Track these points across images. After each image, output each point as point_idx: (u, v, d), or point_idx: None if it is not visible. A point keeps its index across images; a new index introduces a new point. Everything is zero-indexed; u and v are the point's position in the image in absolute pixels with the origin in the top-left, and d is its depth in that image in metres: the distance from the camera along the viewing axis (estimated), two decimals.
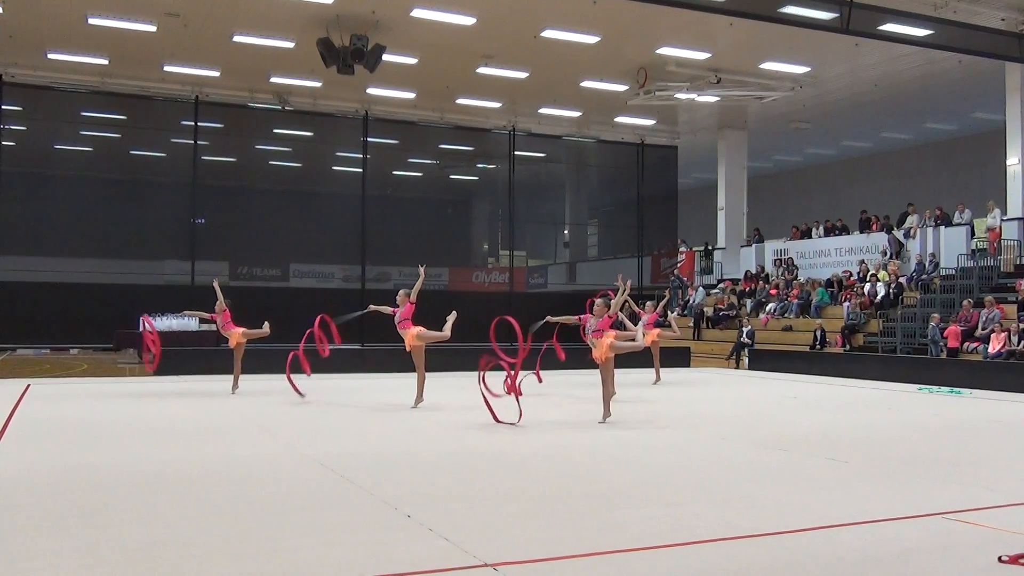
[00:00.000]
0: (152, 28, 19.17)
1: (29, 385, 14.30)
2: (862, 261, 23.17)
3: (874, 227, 24.34)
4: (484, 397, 10.31)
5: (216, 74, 22.88)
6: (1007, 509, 5.98)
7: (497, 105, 26.12)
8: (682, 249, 30.74)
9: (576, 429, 9.89)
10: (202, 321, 15.50)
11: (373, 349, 19.45)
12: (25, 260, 22.73)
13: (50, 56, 21.26)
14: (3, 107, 23.03)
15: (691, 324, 25.96)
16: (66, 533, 5.07)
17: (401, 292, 11.98)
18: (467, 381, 12.53)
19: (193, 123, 24.64)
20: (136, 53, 21.06)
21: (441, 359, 18.31)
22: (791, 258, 26.29)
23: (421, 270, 11.82)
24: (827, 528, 5.39)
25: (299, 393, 12.46)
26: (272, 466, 7.31)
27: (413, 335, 11.41)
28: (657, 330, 16.35)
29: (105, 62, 21.73)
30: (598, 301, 10.59)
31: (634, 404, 12.79)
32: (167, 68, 22.32)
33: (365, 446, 8.61)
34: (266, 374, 15.11)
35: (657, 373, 16.34)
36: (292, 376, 12.70)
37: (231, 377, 13.68)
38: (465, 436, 9.30)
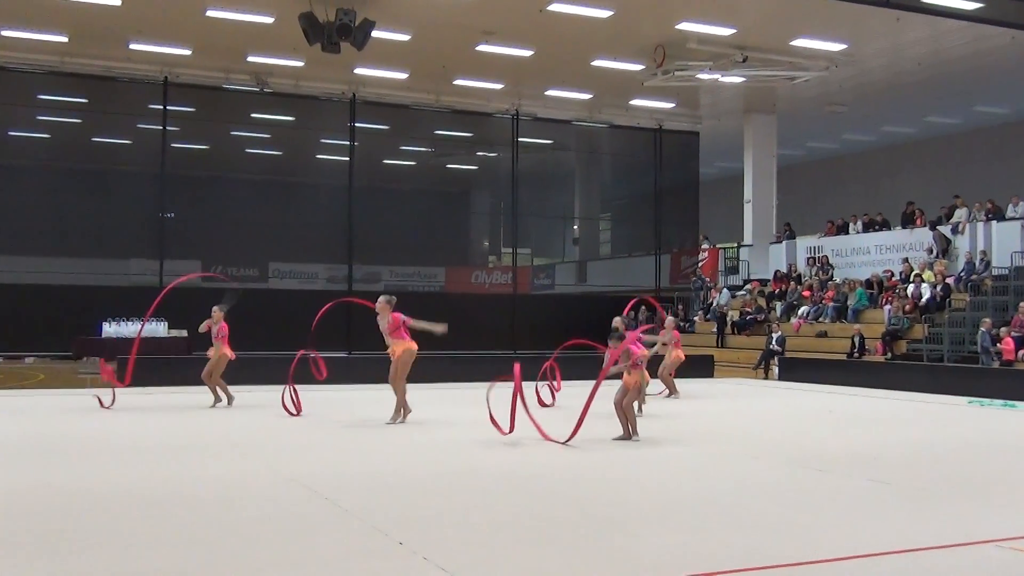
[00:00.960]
0: (117, 1, 19.20)
1: None
2: (905, 259, 23.14)
3: (918, 222, 24.32)
4: (528, 412, 10.29)
5: (187, 53, 22.91)
6: None
7: (499, 87, 26.16)
8: (704, 246, 30.73)
9: (588, 446, 9.87)
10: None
11: (361, 358, 19.46)
12: None
13: (3, 33, 21.31)
14: None
15: (714, 330, 25.95)
16: (22, 562, 5.07)
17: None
18: (464, 393, 12.52)
19: (162, 107, 24.73)
20: (99, 29, 21.10)
21: (439, 369, 18.34)
22: (826, 256, 26.27)
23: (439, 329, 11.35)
24: (866, 557, 5.37)
25: (291, 412, 12.29)
26: (250, 487, 7.30)
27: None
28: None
29: (64, 39, 21.76)
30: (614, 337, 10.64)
31: (651, 419, 12.76)
32: (133, 46, 22.36)
33: (353, 465, 8.61)
34: (244, 385, 15.09)
35: (672, 386, 16.27)
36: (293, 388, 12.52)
37: (205, 388, 13.63)
38: (463, 454, 9.29)
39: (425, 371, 17.87)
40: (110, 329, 20.56)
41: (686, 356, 16.81)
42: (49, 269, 23.31)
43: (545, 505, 6.77)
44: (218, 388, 13.41)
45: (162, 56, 23.18)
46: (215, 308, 13.45)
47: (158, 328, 20.84)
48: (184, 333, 20.94)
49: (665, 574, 4.95)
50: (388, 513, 6.37)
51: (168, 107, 24.80)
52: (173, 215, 25.34)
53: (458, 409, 13.29)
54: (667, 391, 15.62)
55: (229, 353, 13.34)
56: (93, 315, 21.01)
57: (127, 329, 20.54)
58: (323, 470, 8.14)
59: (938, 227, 23.17)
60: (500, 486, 7.53)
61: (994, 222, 22.22)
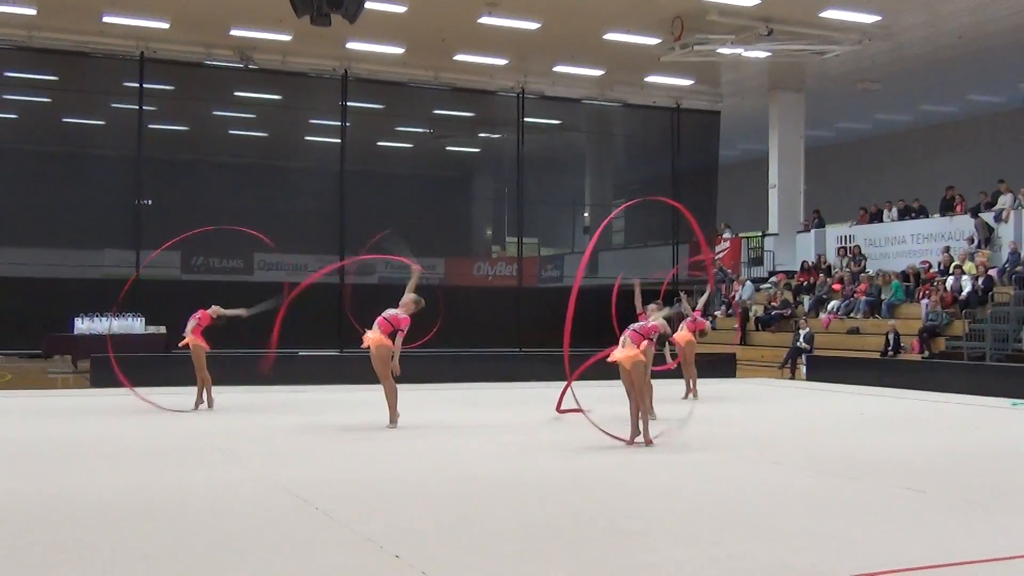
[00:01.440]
0: None
1: None
2: (946, 249, 23.10)
3: (959, 209, 24.29)
4: (583, 411, 10.41)
5: (165, 26, 22.92)
6: None
7: (503, 62, 26.13)
8: (725, 235, 30.72)
9: (600, 451, 9.89)
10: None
11: (354, 356, 19.49)
12: None
13: None
14: None
15: (736, 326, 25.96)
16: None
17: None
18: (464, 394, 12.56)
19: (138, 85, 24.73)
20: (70, 1, 21.11)
21: (438, 368, 18.38)
22: (858, 246, 26.25)
23: (415, 267, 11.67)
24: (901, 572, 5.38)
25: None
26: (235, 496, 7.33)
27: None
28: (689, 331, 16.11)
29: (32, 12, 21.78)
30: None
31: (669, 423, 12.78)
32: (107, 19, 22.37)
33: (344, 472, 8.63)
34: (228, 385, 15.11)
35: (693, 386, 16.23)
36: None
37: (191, 390, 13.67)
38: (464, 460, 9.32)
39: (424, 371, 17.99)
40: (83, 325, 20.56)
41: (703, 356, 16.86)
42: (16, 260, 23.34)
43: (554, 515, 6.79)
44: (207, 388, 13.45)
45: (138, 30, 23.19)
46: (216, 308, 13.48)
47: (134, 324, 20.85)
48: (163, 329, 20.99)
49: None
50: (384, 524, 6.39)
51: (144, 85, 24.78)
52: (150, 202, 25.36)
53: (459, 411, 13.33)
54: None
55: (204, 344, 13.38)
56: (64, 310, 21.00)
57: (100, 325, 20.56)
58: (313, 477, 8.16)
59: (979, 215, 23.13)
60: (504, 494, 7.55)
61: None
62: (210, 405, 13.33)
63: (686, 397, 15.74)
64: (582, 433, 11.36)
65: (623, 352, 10.16)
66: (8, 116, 26.81)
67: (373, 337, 10.97)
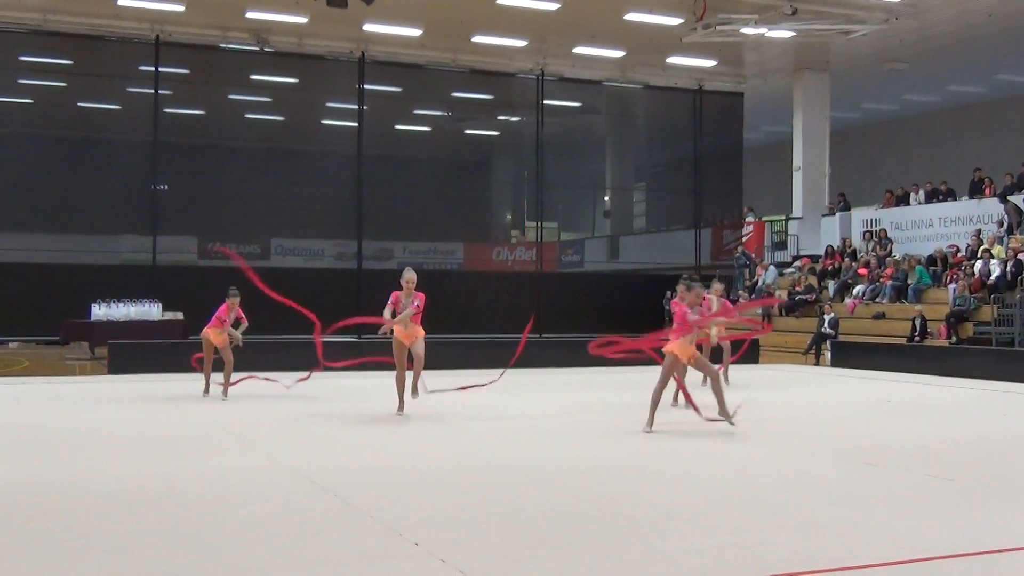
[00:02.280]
0: None
1: None
2: (978, 231, 22.93)
3: (987, 191, 24.10)
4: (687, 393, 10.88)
5: (180, 9, 22.96)
6: None
7: (522, 44, 26.07)
8: (748, 219, 30.61)
9: (619, 439, 9.90)
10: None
11: (371, 343, 19.56)
12: None
13: None
14: None
15: (759, 311, 25.88)
16: (6, 564, 5.17)
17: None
18: (483, 381, 12.57)
19: (153, 68, 24.78)
20: None
21: (456, 354, 18.41)
22: (884, 230, 26.11)
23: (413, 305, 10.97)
24: (928, 560, 5.38)
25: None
26: (253, 484, 7.38)
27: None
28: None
29: None
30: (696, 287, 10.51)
31: (689, 410, 12.78)
32: (122, 2, 22.44)
33: (363, 459, 8.67)
34: (244, 372, 15.18)
35: (725, 374, 16.30)
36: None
37: (203, 377, 13.73)
38: (482, 447, 9.35)
39: (441, 357, 18.03)
40: (100, 311, 20.71)
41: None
42: (32, 246, 23.45)
43: (573, 503, 6.81)
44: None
45: (153, 13, 23.26)
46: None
47: (151, 310, 20.96)
48: (180, 316, 21.11)
49: None
50: (403, 512, 6.42)
51: (160, 69, 24.84)
52: (166, 187, 25.45)
53: (477, 398, 13.34)
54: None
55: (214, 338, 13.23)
56: (82, 296, 21.14)
57: (118, 311, 20.70)
58: (331, 464, 8.21)
59: (1008, 198, 22.93)
60: (523, 481, 7.57)
61: None
62: (224, 393, 13.26)
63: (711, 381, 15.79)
64: (600, 420, 11.40)
65: (683, 344, 10.17)
66: (23, 101, 26.94)
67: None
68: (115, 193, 25.36)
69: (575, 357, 20.25)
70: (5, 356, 21.32)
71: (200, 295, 22.18)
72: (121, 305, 20.84)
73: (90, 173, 25.25)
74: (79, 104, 27.32)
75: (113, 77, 25.81)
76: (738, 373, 17.21)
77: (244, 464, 8.26)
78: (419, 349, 11.04)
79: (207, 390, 13.44)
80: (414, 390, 11.13)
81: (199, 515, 6.33)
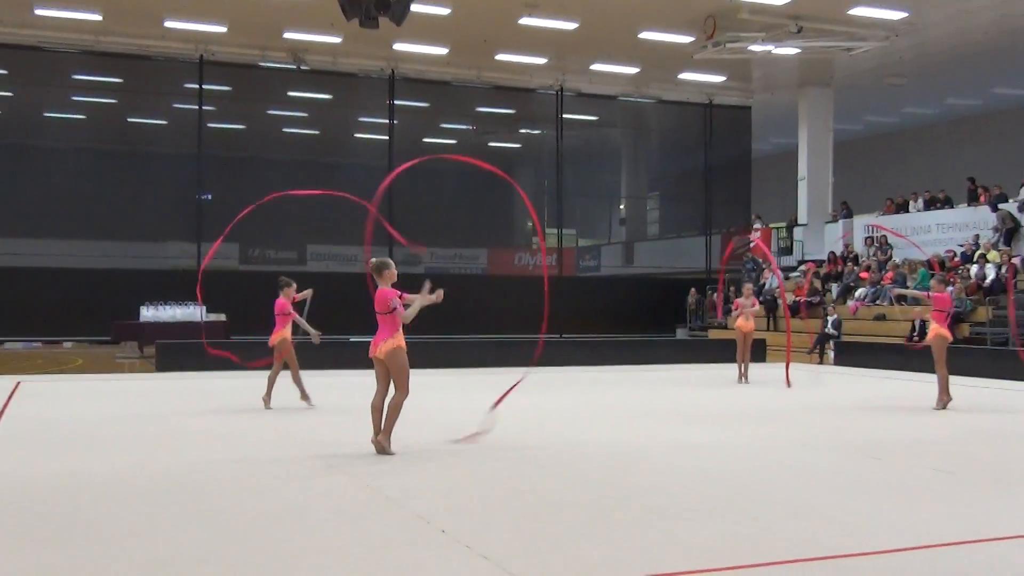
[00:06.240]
0: None
1: (19, 383, 14.62)
2: (976, 236, 22.73)
3: (983, 199, 23.90)
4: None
5: (223, 30, 23.09)
6: None
7: (542, 61, 26.06)
8: (756, 226, 30.45)
9: (634, 429, 9.86)
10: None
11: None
12: (11, 243, 23.22)
13: (37, 12, 21.61)
14: None
15: (763, 313, 25.75)
16: (64, 546, 5.19)
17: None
18: (507, 379, 12.53)
19: (197, 86, 24.94)
20: (134, 7, 21.33)
21: (481, 354, 18.39)
22: (885, 236, 25.92)
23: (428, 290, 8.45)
24: (930, 548, 5.34)
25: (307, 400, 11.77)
26: (288, 473, 7.39)
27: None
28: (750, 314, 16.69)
29: (99, 18, 22.04)
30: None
31: (701, 404, 12.74)
32: (168, 24, 22.57)
33: (394, 450, 8.65)
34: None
35: (745, 371, 16.36)
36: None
37: (240, 373, 13.67)
38: (506, 439, 9.30)
39: (466, 356, 18.04)
40: (148, 313, 20.87)
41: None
42: (86, 252, 23.65)
43: (591, 491, 6.78)
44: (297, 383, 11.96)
45: (197, 34, 23.39)
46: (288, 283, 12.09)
47: (196, 312, 21.08)
48: (223, 317, 21.22)
49: (716, 563, 4.93)
50: (430, 500, 6.41)
51: (204, 86, 25.01)
52: (210, 196, 25.59)
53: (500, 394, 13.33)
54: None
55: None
56: (131, 299, 21.31)
57: (165, 313, 20.85)
58: (362, 454, 8.19)
59: (999, 208, 22.70)
60: (544, 472, 7.55)
61: None
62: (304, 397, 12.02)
63: (740, 381, 15.96)
64: (620, 414, 11.35)
65: None
66: (77, 116, 27.17)
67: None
68: (162, 203, 25.54)
69: (593, 356, 20.30)
70: (60, 355, 21.47)
71: (241, 298, 22.34)
72: (168, 307, 20.99)
73: (138, 184, 25.43)
74: (128, 120, 27.52)
75: (160, 94, 25.99)
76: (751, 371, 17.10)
77: (281, 454, 8.26)
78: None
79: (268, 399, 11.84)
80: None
81: (240, 502, 6.35)
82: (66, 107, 26.79)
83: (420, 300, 8.31)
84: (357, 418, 10.76)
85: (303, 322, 11.81)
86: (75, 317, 22.68)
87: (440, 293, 8.35)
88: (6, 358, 20.10)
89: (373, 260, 8.39)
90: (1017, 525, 5.89)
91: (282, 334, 11.67)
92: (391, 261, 8.38)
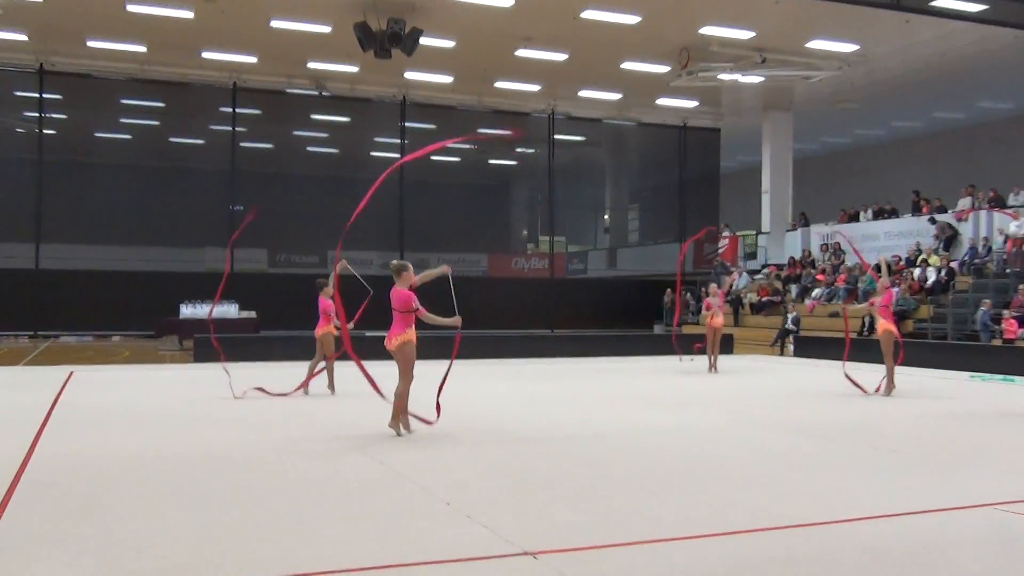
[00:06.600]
0: (190, 14, 19.44)
1: (73, 372, 14.65)
2: (918, 243, 22.78)
3: (924, 210, 23.96)
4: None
5: (254, 60, 23.13)
6: None
7: (536, 88, 26.11)
8: (725, 234, 30.51)
9: (613, 413, 9.90)
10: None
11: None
12: (66, 248, 23.26)
13: (89, 44, 21.65)
14: (44, 96, 23.54)
15: (731, 311, 25.83)
16: (118, 516, 5.24)
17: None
18: (507, 368, 12.60)
19: (231, 109, 24.97)
20: (174, 40, 21.36)
21: (484, 346, 18.43)
22: (838, 243, 25.97)
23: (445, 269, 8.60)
24: (873, 519, 5.39)
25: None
26: (312, 451, 7.44)
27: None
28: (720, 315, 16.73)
29: (144, 49, 22.07)
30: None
31: (673, 391, 12.79)
32: (205, 55, 22.61)
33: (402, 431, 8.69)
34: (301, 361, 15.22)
35: (714, 362, 16.39)
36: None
37: (271, 364, 13.71)
38: (499, 422, 9.36)
39: (471, 349, 18.07)
40: (187, 310, 20.93)
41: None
42: (132, 257, 23.70)
43: (575, 468, 6.83)
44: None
45: (231, 63, 23.43)
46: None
47: (230, 310, 21.16)
48: (253, 314, 21.27)
49: (681, 532, 4.99)
50: (435, 476, 6.46)
51: (236, 110, 25.04)
52: (242, 207, 25.60)
53: (501, 382, 13.38)
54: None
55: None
56: (172, 298, 21.35)
57: (202, 311, 20.90)
58: (377, 435, 8.24)
59: (937, 218, 22.75)
60: (534, 451, 7.60)
61: (996, 210, 21.80)
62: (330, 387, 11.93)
63: (709, 371, 16.04)
64: (602, 400, 11.39)
65: None
66: (124, 136, 27.19)
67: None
68: (199, 213, 25.55)
69: (581, 349, 20.35)
70: (109, 348, 21.49)
71: (269, 297, 22.41)
72: (204, 305, 20.98)
73: (178, 196, 25.45)
74: (170, 139, 27.54)
75: (198, 117, 26.04)
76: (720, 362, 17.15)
77: (304, 435, 8.31)
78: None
79: (331, 385, 11.85)
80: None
81: (269, 477, 6.40)
82: (114, 128, 26.80)
83: (426, 275, 8.53)
84: (373, 404, 10.81)
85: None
86: (122, 314, 22.73)
87: (447, 267, 8.62)
88: (61, 350, 20.12)
89: (393, 263, 8.52)
90: (949, 498, 5.95)
91: (325, 329, 11.81)
92: (409, 264, 8.45)
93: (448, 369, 8.73)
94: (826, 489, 6.17)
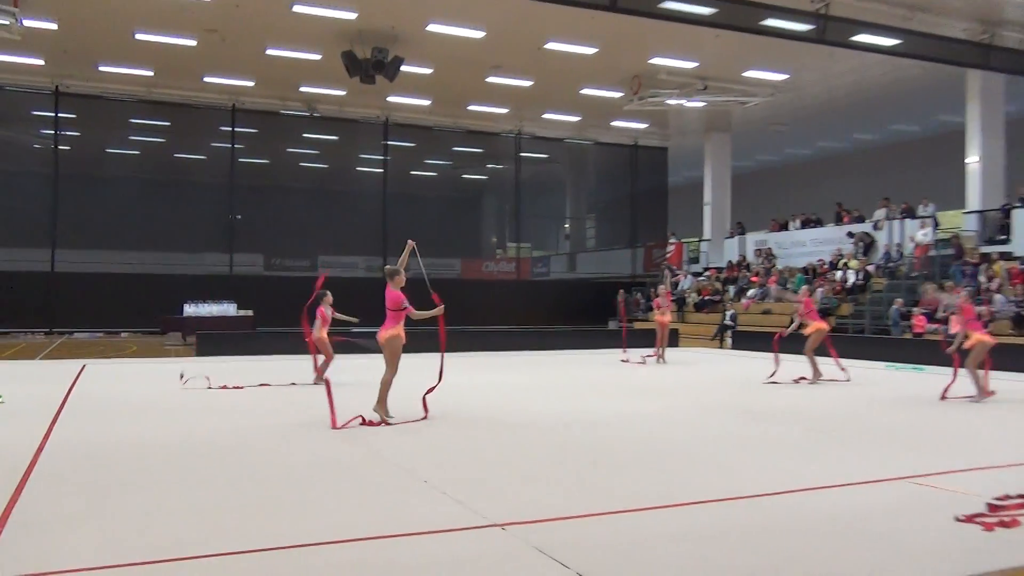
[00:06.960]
0: (193, 43, 19.20)
1: (85, 365, 14.37)
2: (839, 249, 23.03)
3: (846, 220, 24.23)
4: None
5: (251, 84, 22.89)
6: (966, 474, 5.98)
7: (505, 111, 26.08)
8: (672, 240, 30.67)
9: (575, 399, 9.88)
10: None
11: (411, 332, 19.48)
12: (79, 253, 22.89)
13: (101, 68, 21.31)
14: (59, 115, 23.16)
15: (676, 308, 25.93)
16: (123, 496, 5.12)
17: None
18: (479, 360, 12.55)
19: (230, 128, 24.71)
20: (179, 65, 21.08)
21: (458, 341, 18.35)
22: (770, 248, 26.21)
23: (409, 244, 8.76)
24: (806, 491, 5.41)
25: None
26: (301, 436, 7.34)
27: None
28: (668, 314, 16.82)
29: (151, 73, 21.76)
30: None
31: (628, 380, 12.80)
32: (207, 79, 22.33)
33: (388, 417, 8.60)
34: (292, 355, 15.06)
35: (662, 354, 16.44)
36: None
37: (269, 358, 13.56)
38: (472, 408, 9.30)
39: (447, 344, 17.96)
40: (190, 309, 20.66)
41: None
42: (139, 261, 23.36)
43: (541, 449, 6.80)
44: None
45: (230, 87, 23.16)
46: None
47: (228, 309, 20.93)
48: (250, 313, 21.03)
49: (634, 505, 4.97)
50: (415, 457, 6.40)
51: (235, 129, 24.78)
52: (240, 217, 25.34)
53: (476, 373, 13.31)
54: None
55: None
56: (176, 298, 21.08)
57: (203, 309, 20.68)
58: (364, 424, 8.14)
59: (852, 233, 22.97)
60: (504, 435, 7.56)
61: (907, 220, 22.12)
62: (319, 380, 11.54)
63: (658, 362, 16.05)
64: (576, 385, 11.36)
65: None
66: (133, 153, 26.76)
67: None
68: (201, 221, 25.24)
69: (543, 343, 20.33)
70: (118, 343, 21.13)
71: (265, 298, 22.15)
72: (206, 305, 20.76)
73: (182, 207, 25.10)
74: (174, 155, 27.13)
75: (200, 135, 25.69)
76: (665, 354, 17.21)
77: (296, 420, 8.20)
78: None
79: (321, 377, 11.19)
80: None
81: (261, 459, 6.30)
82: (124, 145, 26.36)
83: (401, 262, 8.67)
84: (361, 392, 10.71)
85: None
86: (130, 312, 22.39)
87: (411, 241, 8.84)
88: (74, 345, 19.74)
89: (387, 268, 8.58)
90: (871, 472, 5.98)
91: (320, 332, 11.43)
92: (401, 269, 8.52)
93: (439, 376, 8.68)
94: (768, 466, 6.19)
